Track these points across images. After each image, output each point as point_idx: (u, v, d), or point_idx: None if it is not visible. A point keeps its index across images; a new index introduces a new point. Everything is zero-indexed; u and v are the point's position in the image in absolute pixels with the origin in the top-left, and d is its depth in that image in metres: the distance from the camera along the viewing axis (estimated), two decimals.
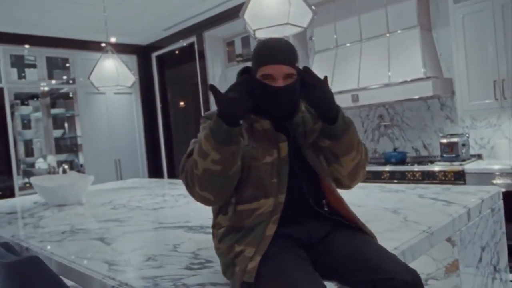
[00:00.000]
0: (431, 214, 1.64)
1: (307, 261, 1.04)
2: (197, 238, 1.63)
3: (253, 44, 5.26)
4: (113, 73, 3.21)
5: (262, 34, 1.88)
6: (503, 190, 2.99)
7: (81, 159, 5.83)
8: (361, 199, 2.07)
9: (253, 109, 1.14)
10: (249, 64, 1.23)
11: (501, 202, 2.03)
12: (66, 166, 3.62)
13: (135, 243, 1.67)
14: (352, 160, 1.16)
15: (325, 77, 1.13)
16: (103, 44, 3.96)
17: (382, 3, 3.90)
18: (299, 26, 1.82)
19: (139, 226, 1.97)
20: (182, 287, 1.12)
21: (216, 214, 1.23)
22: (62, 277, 1.45)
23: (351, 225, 1.16)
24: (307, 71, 1.11)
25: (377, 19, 3.94)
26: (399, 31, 3.79)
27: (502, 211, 2.04)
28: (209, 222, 1.31)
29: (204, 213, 1.98)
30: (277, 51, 1.12)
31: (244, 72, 1.23)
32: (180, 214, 2.18)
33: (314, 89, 1.10)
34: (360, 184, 2.60)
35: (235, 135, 1.06)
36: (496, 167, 3.11)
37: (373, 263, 0.97)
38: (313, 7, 1.89)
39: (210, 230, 1.27)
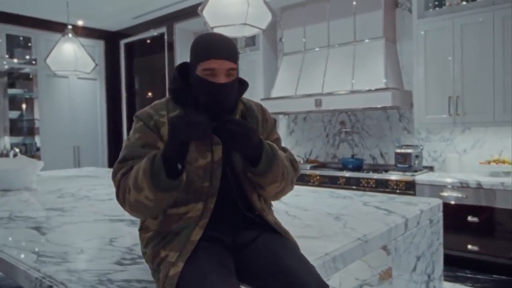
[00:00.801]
0: (370, 222, 1.69)
1: (228, 268, 1.01)
2: (136, 233, 1.59)
3: None
4: (72, 57, 3.10)
5: (220, 32, 1.87)
6: (452, 202, 3.14)
7: (38, 142, 5.63)
8: (309, 203, 2.10)
9: (190, 105, 1.11)
10: None
11: (440, 214, 2.11)
12: (17, 150, 3.48)
13: (72, 234, 1.63)
14: (276, 188, 1.14)
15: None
16: (70, 26, 3.81)
17: (351, 12, 3.98)
18: (256, 27, 1.82)
19: (81, 217, 1.92)
20: (106, 282, 1.10)
21: None
22: None
23: (276, 230, 1.15)
24: (228, 119, 1.03)
25: (346, 27, 4.01)
26: (366, 40, 3.87)
27: (441, 222, 2.12)
28: None
29: None
30: (220, 45, 1.07)
31: (181, 68, 1.18)
32: None
33: (234, 136, 1.02)
34: (311, 188, 2.68)
35: (175, 185, 1.00)
36: (447, 180, 3.23)
37: (293, 274, 0.97)
38: (273, 11, 1.90)
39: None
